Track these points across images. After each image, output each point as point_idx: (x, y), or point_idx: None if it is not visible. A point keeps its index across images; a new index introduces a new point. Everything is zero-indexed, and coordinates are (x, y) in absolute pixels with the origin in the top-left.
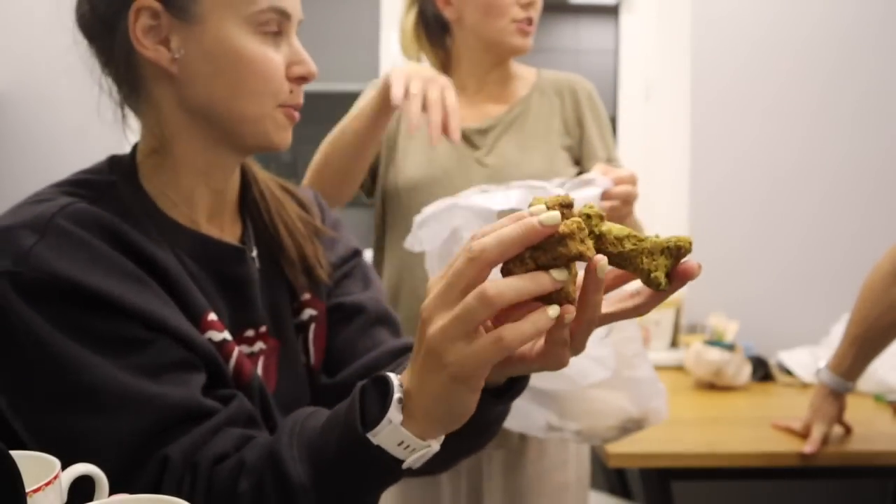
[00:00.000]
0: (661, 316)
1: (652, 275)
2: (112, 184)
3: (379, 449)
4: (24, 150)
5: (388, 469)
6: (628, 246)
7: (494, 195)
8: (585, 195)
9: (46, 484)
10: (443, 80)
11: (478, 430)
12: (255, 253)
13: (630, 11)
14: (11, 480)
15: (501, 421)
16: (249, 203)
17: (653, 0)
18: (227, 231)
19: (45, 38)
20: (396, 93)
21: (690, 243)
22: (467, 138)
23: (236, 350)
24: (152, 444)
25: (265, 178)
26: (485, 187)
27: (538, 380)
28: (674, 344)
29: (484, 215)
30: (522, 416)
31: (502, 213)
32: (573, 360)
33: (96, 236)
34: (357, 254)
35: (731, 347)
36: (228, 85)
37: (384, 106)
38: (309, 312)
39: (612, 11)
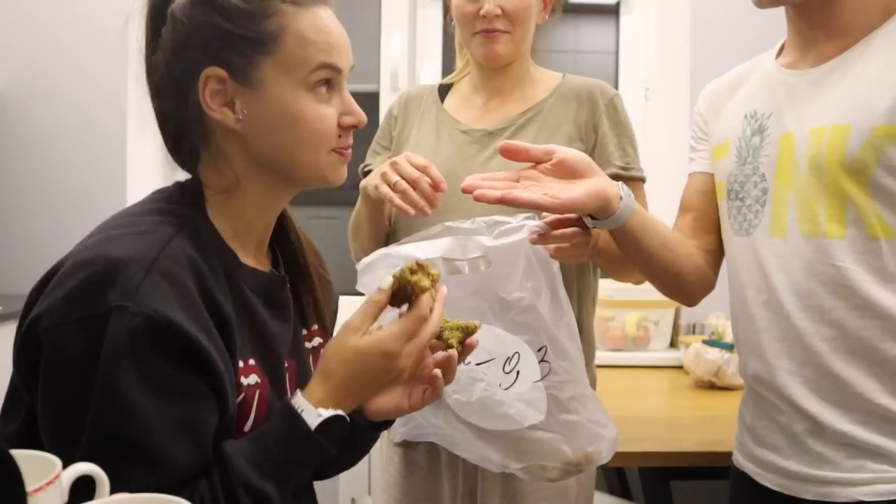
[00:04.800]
0: (661, 316)
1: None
2: (190, 217)
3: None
4: (24, 149)
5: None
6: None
7: (423, 244)
8: (505, 242)
9: (47, 483)
10: (398, 160)
11: (361, 445)
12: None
13: (630, 12)
14: (12, 480)
15: (371, 444)
16: (283, 239)
17: (652, 0)
18: (261, 259)
19: (45, 38)
20: (376, 195)
21: (477, 326)
22: (476, 141)
23: (257, 394)
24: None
25: (299, 225)
26: (432, 229)
27: (486, 421)
28: (673, 344)
29: None
30: (478, 453)
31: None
32: (513, 402)
33: (189, 277)
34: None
35: (730, 347)
36: (288, 140)
37: (373, 203)
38: (318, 340)
39: (612, 12)
